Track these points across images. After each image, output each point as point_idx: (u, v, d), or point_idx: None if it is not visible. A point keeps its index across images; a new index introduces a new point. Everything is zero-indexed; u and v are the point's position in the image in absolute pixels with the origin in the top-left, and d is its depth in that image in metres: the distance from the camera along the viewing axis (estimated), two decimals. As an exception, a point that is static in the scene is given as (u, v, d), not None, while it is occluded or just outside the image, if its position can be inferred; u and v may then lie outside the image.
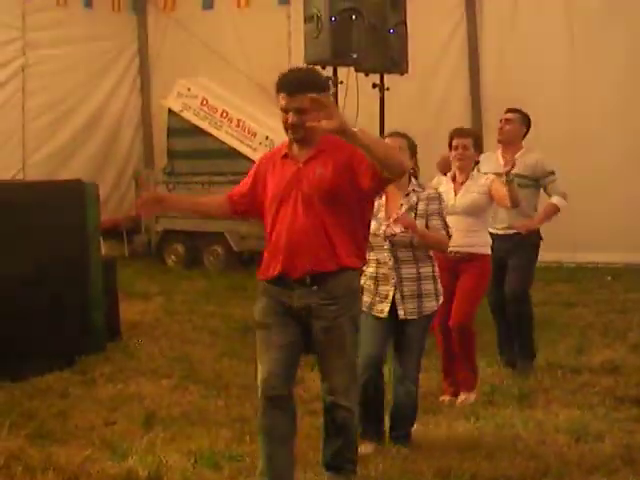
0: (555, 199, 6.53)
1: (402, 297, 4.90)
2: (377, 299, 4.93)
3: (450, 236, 5.01)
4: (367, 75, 8.38)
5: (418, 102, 10.42)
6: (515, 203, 5.86)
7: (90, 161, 11.68)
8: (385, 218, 4.93)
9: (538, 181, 6.52)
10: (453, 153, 5.79)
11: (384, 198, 4.93)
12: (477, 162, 5.94)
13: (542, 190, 6.57)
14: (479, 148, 5.90)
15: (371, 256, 4.88)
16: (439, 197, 5.00)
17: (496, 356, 6.62)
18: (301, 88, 4.01)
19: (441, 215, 4.96)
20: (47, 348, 6.24)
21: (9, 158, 10.76)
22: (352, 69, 8.23)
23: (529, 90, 10.38)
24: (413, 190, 4.92)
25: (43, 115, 11.16)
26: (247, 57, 11.08)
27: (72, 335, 6.52)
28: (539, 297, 8.06)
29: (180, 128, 11.20)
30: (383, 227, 4.90)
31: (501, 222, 6.43)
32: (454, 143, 5.77)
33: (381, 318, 4.90)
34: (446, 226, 4.96)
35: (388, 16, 8.25)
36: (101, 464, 4.59)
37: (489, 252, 5.87)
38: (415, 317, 4.90)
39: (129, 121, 12.45)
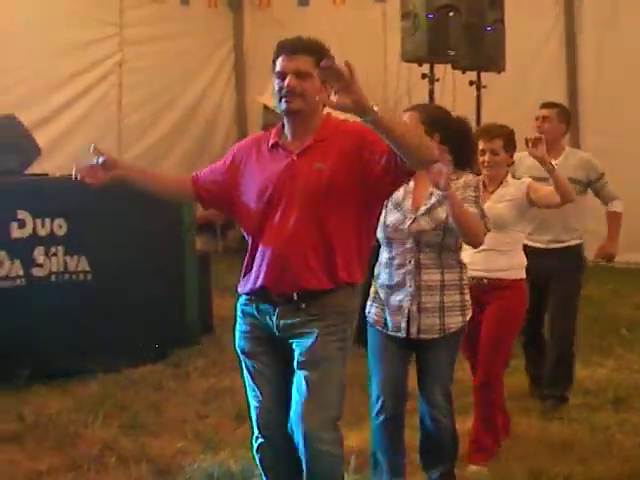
0: (617, 205, 5.72)
1: (419, 310, 4.04)
2: (388, 312, 4.06)
3: (488, 230, 4.16)
4: (464, 72, 8.30)
5: (514, 101, 10.26)
6: (567, 195, 4.84)
7: (185, 156, 11.76)
8: (412, 209, 4.06)
9: (589, 185, 5.65)
10: (480, 159, 4.74)
11: (412, 184, 4.04)
12: (511, 164, 4.99)
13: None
14: (512, 148, 4.89)
15: (384, 256, 4.13)
16: (476, 184, 4.14)
17: (591, 357, 6.47)
18: (305, 49, 3.40)
19: (477, 203, 4.10)
20: (141, 341, 6.31)
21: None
22: (448, 66, 8.16)
23: (629, 91, 10.15)
24: None
25: (139, 110, 11.28)
26: (342, 54, 10.98)
27: (166, 328, 6.58)
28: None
29: (275, 124, 11.15)
30: (408, 220, 4.04)
31: (543, 233, 5.53)
32: (481, 146, 4.73)
33: (396, 337, 4.09)
34: (483, 215, 4.12)
35: (486, 13, 8.15)
36: (193, 457, 4.65)
37: (524, 276, 4.78)
38: (436, 335, 4.06)
39: (224, 117, 12.44)
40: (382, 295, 4.10)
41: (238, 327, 3.60)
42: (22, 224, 5.97)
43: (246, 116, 12.66)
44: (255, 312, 3.53)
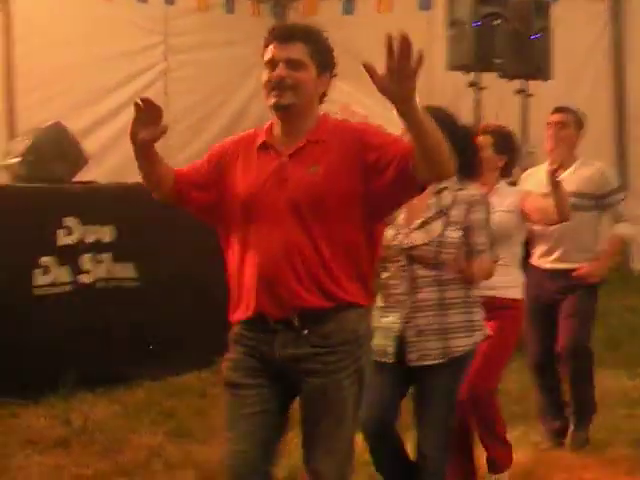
0: (622, 228, 5.10)
1: (417, 333, 3.61)
2: (377, 334, 3.46)
3: (496, 261, 3.84)
4: (510, 80, 8.26)
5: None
6: (564, 214, 4.45)
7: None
8: (405, 223, 3.67)
9: (601, 200, 5.03)
10: None
11: None
12: (504, 169, 4.50)
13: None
14: (504, 151, 4.49)
15: (382, 276, 3.72)
16: (485, 202, 3.75)
17: (636, 368, 6.36)
18: (299, 36, 2.98)
19: (487, 230, 3.71)
20: (187, 348, 6.33)
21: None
22: (494, 75, 8.13)
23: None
24: (445, 187, 3.64)
25: (185, 118, 11.35)
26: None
27: (212, 336, 6.58)
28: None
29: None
30: (400, 236, 3.66)
31: (553, 254, 5.02)
32: None
33: (386, 364, 3.64)
34: (492, 246, 3.77)
35: (532, 21, 8.13)
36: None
37: (520, 296, 4.42)
38: (437, 361, 3.61)
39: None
40: (375, 317, 3.57)
41: (228, 356, 3.08)
42: (69, 231, 6.03)
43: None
44: (250, 341, 3.03)
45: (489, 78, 8.14)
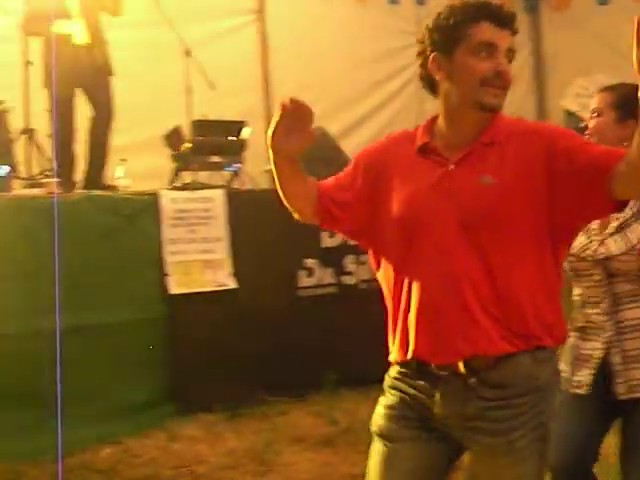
0: None
1: (624, 360, 3.03)
2: (574, 362, 3.07)
3: None
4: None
5: None
6: None
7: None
8: (598, 229, 3.12)
9: None
10: None
11: None
12: None
13: None
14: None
15: (575, 293, 3.18)
16: None
17: None
18: (512, 22, 2.49)
19: None
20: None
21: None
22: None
23: None
24: None
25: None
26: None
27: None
28: None
29: (577, 128, 10.81)
30: (594, 245, 3.10)
31: None
32: None
33: (582, 396, 3.09)
34: None
35: None
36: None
37: None
38: None
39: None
40: (572, 341, 3.13)
41: (382, 401, 2.63)
42: (332, 233, 6.13)
43: (547, 120, 12.32)
44: (409, 387, 2.54)
45: None
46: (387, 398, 2.60)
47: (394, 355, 2.57)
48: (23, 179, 6.60)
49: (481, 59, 2.44)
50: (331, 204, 2.64)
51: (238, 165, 7.04)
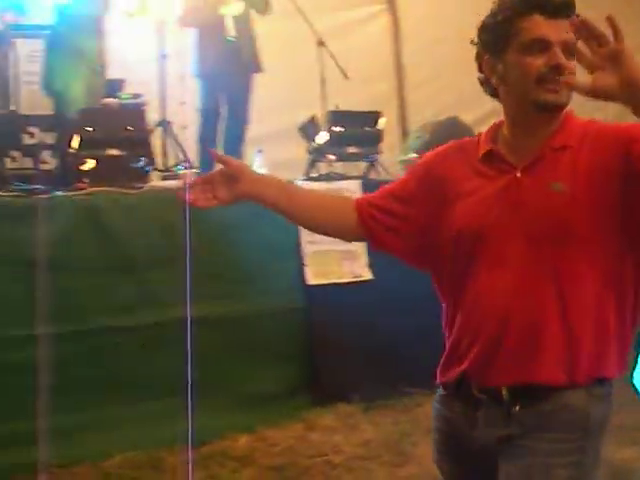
0: None
1: None
2: None
3: None
4: None
5: None
6: None
7: None
8: None
9: None
10: None
11: None
12: None
13: None
14: None
15: None
16: None
17: None
18: (567, 8, 2.21)
19: None
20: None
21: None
22: None
23: None
24: None
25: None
26: None
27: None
28: None
29: None
30: None
31: None
32: None
33: None
34: None
35: None
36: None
37: None
38: None
39: None
40: None
41: (432, 432, 2.47)
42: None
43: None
44: (449, 413, 2.37)
45: None
46: (434, 429, 2.45)
47: (441, 374, 2.38)
48: (160, 171, 6.73)
49: (534, 56, 2.21)
50: (378, 213, 2.42)
51: (376, 156, 7.00)
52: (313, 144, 6.81)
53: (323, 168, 6.79)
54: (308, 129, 6.94)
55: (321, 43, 7.12)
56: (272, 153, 6.80)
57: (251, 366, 5.54)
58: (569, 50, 2.18)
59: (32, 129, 6.30)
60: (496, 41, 2.27)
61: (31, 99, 7.10)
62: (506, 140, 2.33)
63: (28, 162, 6.24)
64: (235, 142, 7.03)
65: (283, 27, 7.71)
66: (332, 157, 6.70)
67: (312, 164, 6.84)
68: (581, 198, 2.18)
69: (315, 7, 7.55)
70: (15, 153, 6.18)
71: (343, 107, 7.14)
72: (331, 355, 5.78)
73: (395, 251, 2.46)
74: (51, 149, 6.27)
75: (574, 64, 2.18)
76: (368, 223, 2.43)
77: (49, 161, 6.30)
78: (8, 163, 6.11)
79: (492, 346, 2.22)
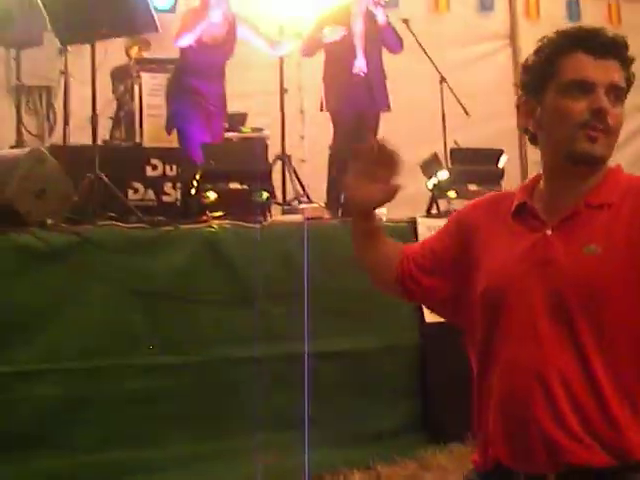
0: None
1: None
2: None
3: None
4: None
5: None
6: None
7: None
8: None
9: None
10: None
11: None
12: None
13: None
14: None
15: None
16: None
17: None
18: (617, 50, 2.03)
19: None
20: None
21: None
22: None
23: None
24: None
25: None
26: None
27: None
28: None
29: None
30: None
31: None
32: None
33: None
34: None
35: None
36: None
37: None
38: None
39: None
40: None
41: None
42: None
43: None
44: None
45: None
46: None
47: (475, 457, 2.15)
48: (279, 204, 6.79)
49: (574, 99, 2.00)
50: (412, 271, 2.26)
51: (498, 194, 6.91)
52: (434, 181, 6.78)
53: (443, 205, 6.75)
54: (429, 166, 6.91)
55: (443, 79, 7.10)
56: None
57: (367, 402, 5.51)
58: (616, 95, 2.01)
59: (155, 161, 6.45)
60: (535, 81, 2.09)
61: (154, 131, 7.26)
62: (542, 195, 2.12)
63: (150, 193, 6.39)
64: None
65: (405, 63, 7.72)
66: (453, 194, 6.65)
67: (433, 201, 6.81)
68: (617, 262, 1.96)
69: (436, 44, 7.56)
70: (137, 185, 6.34)
71: (464, 143, 7.10)
72: (447, 394, 5.70)
73: (428, 304, 2.44)
74: (173, 181, 6.41)
75: (621, 111, 2.02)
76: (405, 279, 2.29)
77: (170, 193, 6.43)
78: (131, 195, 6.26)
79: (520, 428, 2.00)
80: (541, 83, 2.07)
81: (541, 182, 2.15)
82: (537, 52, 2.09)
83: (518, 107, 2.16)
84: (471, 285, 2.15)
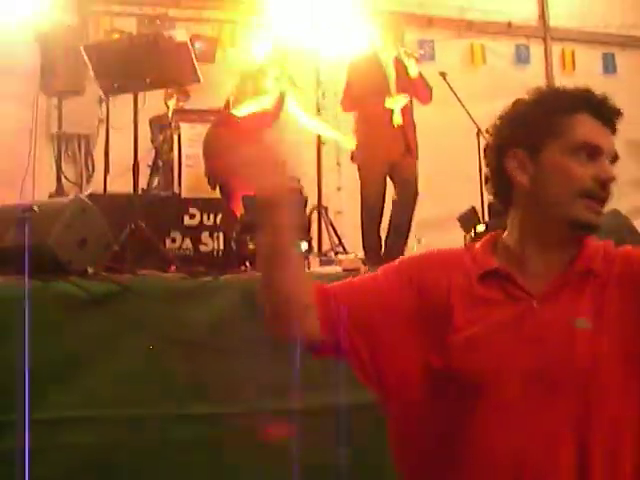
0: None
1: None
2: None
3: None
4: None
5: None
6: None
7: None
8: None
9: None
10: None
11: None
12: None
13: None
14: None
15: None
16: None
17: None
18: (617, 119, 1.99)
19: None
20: None
21: None
22: None
23: None
24: None
25: None
26: None
27: None
28: None
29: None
30: None
31: None
32: None
33: None
34: None
35: None
36: None
37: None
38: None
39: None
40: None
41: None
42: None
43: None
44: None
45: None
46: None
47: None
48: (319, 255, 6.81)
49: (581, 164, 1.91)
50: (350, 316, 1.95)
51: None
52: (472, 235, 6.78)
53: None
54: (467, 220, 6.92)
55: (479, 132, 7.13)
56: (430, 241, 6.79)
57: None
58: (613, 163, 1.96)
59: (193, 210, 6.50)
60: (532, 136, 1.96)
61: (192, 181, 7.32)
62: (514, 257, 1.96)
63: (187, 242, 6.43)
64: (402, 228, 6.97)
65: (441, 114, 7.75)
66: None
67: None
68: (608, 338, 1.84)
69: (472, 96, 7.58)
70: (175, 233, 6.38)
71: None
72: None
73: (358, 364, 2.06)
74: (210, 230, 6.45)
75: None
76: (332, 314, 2.00)
77: (207, 242, 6.47)
78: (168, 243, 6.30)
79: None
80: (541, 138, 1.96)
81: (506, 242, 2.00)
82: (535, 105, 1.99)
83: (493, 157, 2.03)
84: (425, 352, 1.92)
